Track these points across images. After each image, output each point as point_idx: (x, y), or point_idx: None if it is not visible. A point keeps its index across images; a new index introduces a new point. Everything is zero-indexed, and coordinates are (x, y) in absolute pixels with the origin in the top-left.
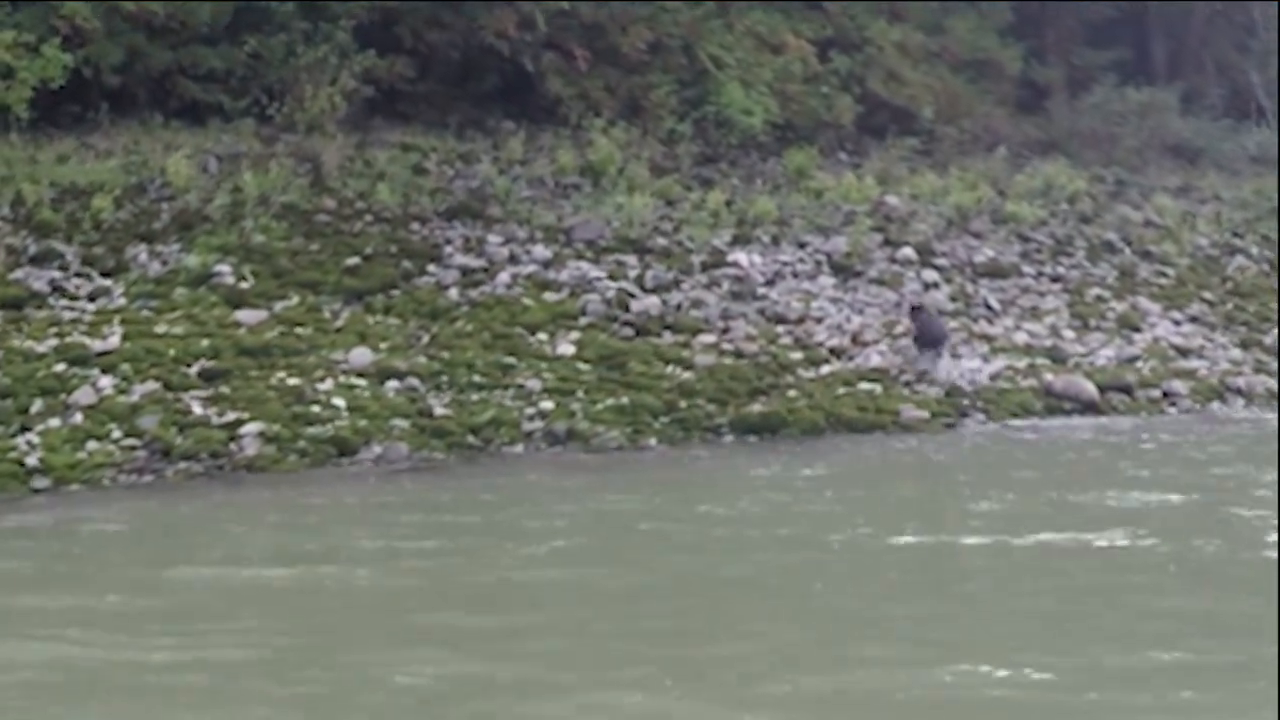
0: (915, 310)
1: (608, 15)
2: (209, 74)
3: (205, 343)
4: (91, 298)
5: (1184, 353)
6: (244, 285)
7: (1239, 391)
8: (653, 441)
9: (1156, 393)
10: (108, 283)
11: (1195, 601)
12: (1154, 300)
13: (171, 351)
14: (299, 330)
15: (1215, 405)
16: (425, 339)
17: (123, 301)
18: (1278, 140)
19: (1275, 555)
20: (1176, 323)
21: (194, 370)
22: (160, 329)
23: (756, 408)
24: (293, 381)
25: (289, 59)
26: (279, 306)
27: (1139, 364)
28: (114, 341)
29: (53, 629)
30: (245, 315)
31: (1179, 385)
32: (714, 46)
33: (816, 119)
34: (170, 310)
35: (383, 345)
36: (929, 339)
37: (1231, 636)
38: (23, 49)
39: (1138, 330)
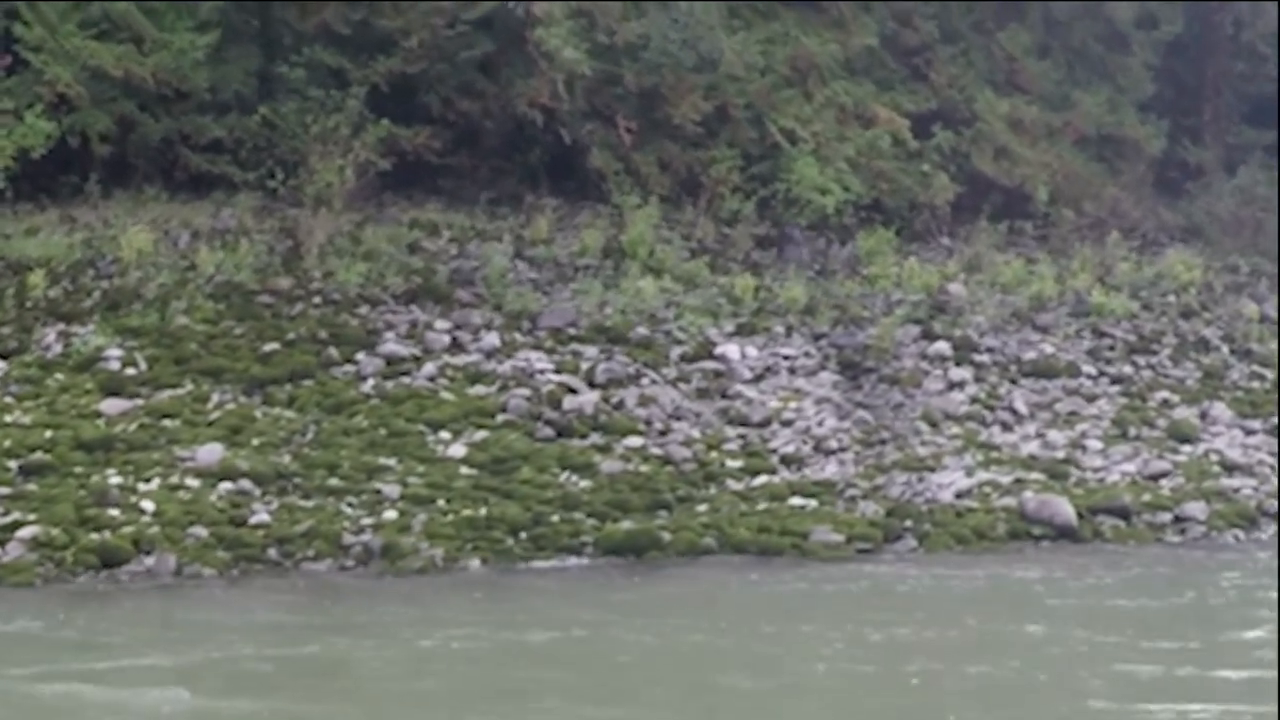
0: None
1: (662, 83)
2: (215, 144)
3: (48, 434)
4: None
5: (1232, 469)
6: (130, 371)
7: (1276, 517)
8: (476, 562)
9: (1166, 516)
10: None
11: None
12: (1234, 406)
13: (7, 442)
14: (165, 422)
15: (1233, 534)
16: (309, 435)
17: None
18: None
19: None
20: (1249, 433)
21: (17, 464)
22: (10, 417)
23: (625, 525)
24: (114, 480)
25: (300, 129)
26: (163, 395)
27: (1163, 481)
28: None
29: None
30: (110, 405)
31: (1197, 509)
32: (787, 119)
33: (910, 199)
34: (35, 397)
35: (255, 441)
36: None
37: None
38: (6, 116)
39: (1188, 441)
